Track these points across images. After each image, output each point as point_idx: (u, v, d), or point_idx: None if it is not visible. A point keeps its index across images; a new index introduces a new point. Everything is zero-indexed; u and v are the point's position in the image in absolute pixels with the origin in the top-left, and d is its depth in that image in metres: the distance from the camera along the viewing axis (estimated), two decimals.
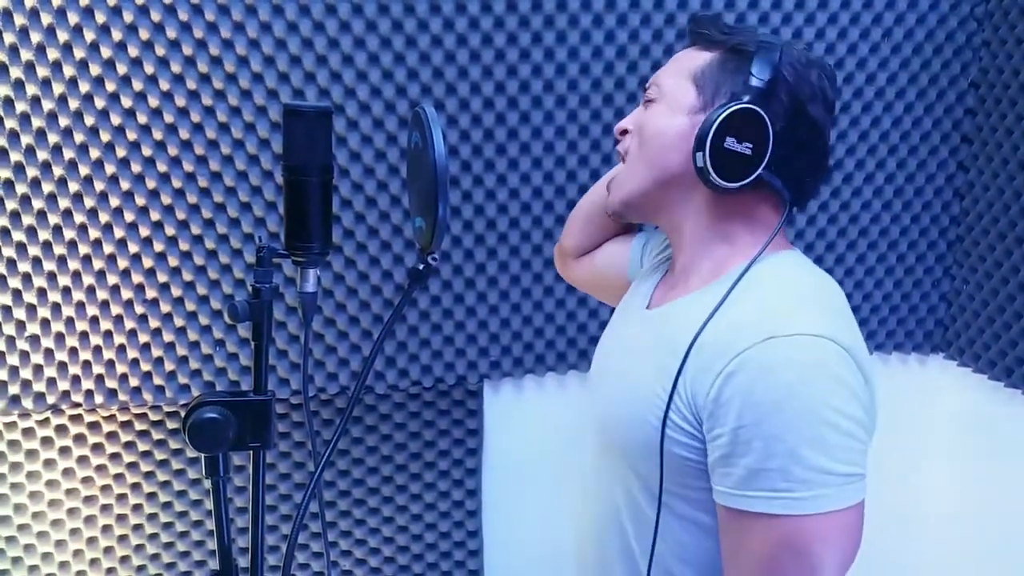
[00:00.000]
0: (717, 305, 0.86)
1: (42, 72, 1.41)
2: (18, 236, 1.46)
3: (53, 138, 1.44)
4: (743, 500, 0.81)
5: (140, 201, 1.49)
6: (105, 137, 1.46)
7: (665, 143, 0.93)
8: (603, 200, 1.18)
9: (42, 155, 1.44)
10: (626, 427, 0.92)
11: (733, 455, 0.80)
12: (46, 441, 1.56)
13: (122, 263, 1.51)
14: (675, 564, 0.92)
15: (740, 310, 0.85)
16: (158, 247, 1.52)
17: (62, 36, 1.40)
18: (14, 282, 1.47)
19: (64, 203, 1.47)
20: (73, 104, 1.43)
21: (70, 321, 1.51)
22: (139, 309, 1.53)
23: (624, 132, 1.00)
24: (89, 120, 1.44)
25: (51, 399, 1.53)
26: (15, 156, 1.43)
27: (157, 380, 1.56)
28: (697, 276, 0.95)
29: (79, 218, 1.48)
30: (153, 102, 1.46)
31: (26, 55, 1.40)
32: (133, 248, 1.51)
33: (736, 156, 0.87)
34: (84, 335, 1.52)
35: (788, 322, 0.81)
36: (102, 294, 1.51)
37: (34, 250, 1.47)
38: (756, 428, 0.79)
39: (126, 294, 1.52)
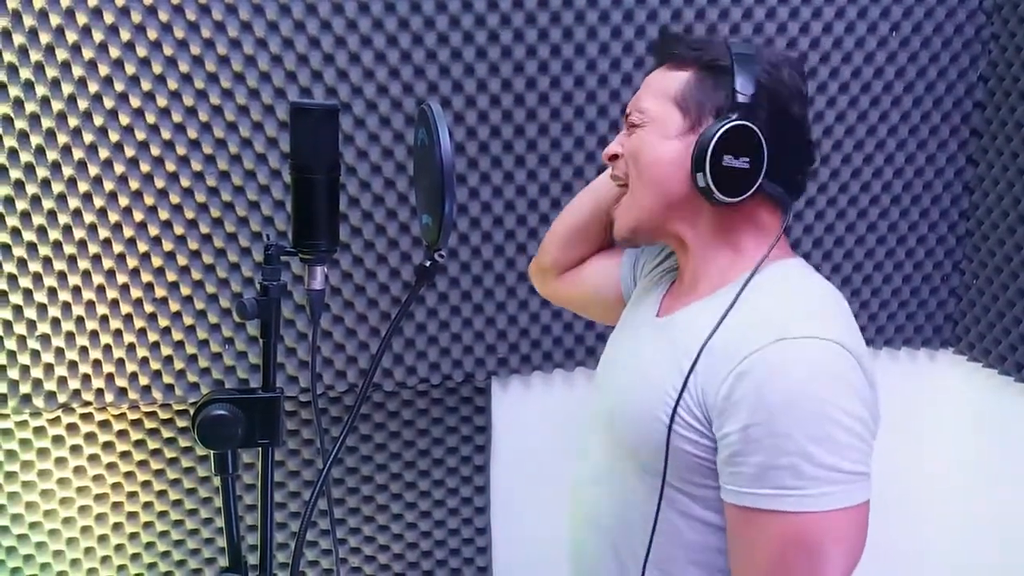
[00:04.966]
0: (727, 309, 0.88)
1: (51, 73, 1.42)
2: (29, 236, 1.47)
3: (63, 138, 1.45)
4: (753, 498, 0.82)
5: (149, 200, 1.50)
6: (114, 137, 1.46)
7: (663, 170, 0.95)
8: (587, 215, 1.20)
9: (52, 155, 1.45)
10: (635, 423, 0.93)
11: (743, 453, 0.81)
12: (57, 439, 1.57)
13: (132, 262, 1.52)
14: (677, 565, 0.92)
15: (749, 313, 0.87)
16: (167, 246, 1.53)
17: (71, 37, 1.41)
18: (25, 282, 1.48)
19: (74, 203, 1.47)
20: (82, 104, 1.44)
21: (80, 320, 1.52)
22: (149, 308, 1.54)
23: (613, 157, 1.01)
24: (98, 120, 1.45)
25: (62, 398, 1.54)
26: (25, 157, 1.44)
27: (167, 378, 1.57)
28: (706, 283, 0.96)
29: (89, 218, 1.49)
30: (161, 102, 1.47)
31: (35, 56, 1.40)
32: (143, 247, 1.52)
33: (735, 171, 0.89)
34: (94, 334, 1.53)
35: (798, 325, 0.83)
36: (112, 293, 1.52)
37: (45, 250, 1.48)
38: (766, 426, 0.80)
39: (136, 293, 1.53)
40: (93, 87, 1.44)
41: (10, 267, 1.47)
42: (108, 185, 1.48)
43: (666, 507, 0.91)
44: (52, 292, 1.50)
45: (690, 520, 0.91)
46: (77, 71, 1.43)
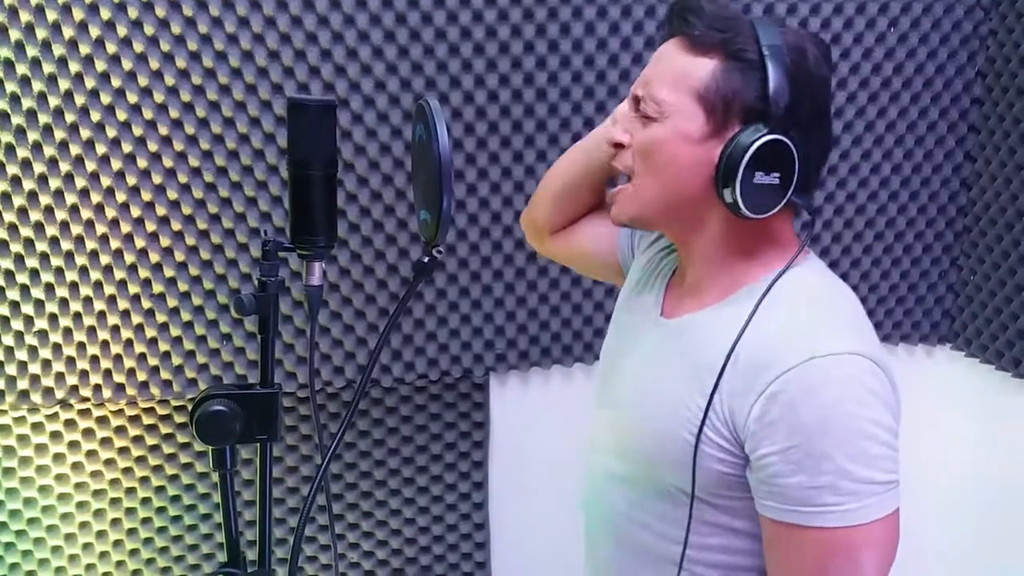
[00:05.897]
0: (747, 320, 0.85)
1: (48, 68, 1.41)
2: (26, 232, 1.47)
3: (59, 134, 1.44)
4: (794, 515, 0.82)
5: (146, 196, 1.50)
6: (111, 133, 1.46)
7: (679, 171, 0.88)
8: (578, 177, 1.14)
9: (49, 151, 1.44)
10: (654, 438, 0.91)
11: (782, 474, 0.81)
12: (55, 436, 1.57)
13: (129, 258, 1.52)
14: (699, 567, 0.92)
15: (772, 325, 0.84)
16: (164, 242, 1.52)
17: (68, 32, 1.41)
18: (22, 277, 1.48)
19: (71, 199, 1.47)
20: (79, 100, 1.44)
21: (78, 316, 1.52)
22: (146, 304, 1.54)
23: (618, 145, 0.93)
24: (95, 116, 1.45)
25: (59, 394, 1.53)
26: (22, 152, 1.43)
27: (164, 374, 1.57)
28: (714, 288, 0.92)
29: (86, 213, 1.48)
30: (158, 97, 1.47)
31: (32, 51, 1.40)
32: (140, 243, 1.51)
33: (764, 187, 0.84)
34: (92, 330, 1.53)
35: (825, 341, 0.82)
36: (109, 289, 1.52)
37: (41, 246, 1.48)
38: (804, 447, 0.80)
39: (133, 289, 1.53)
40: (90, 83, 1.43)
41: (7, 263, 1.47)
42: (105, 181, 1.48)
43: (693, 518, 0.90)
44: (49, 288, 1.50)
45: (716, 528, 0.90)
46: (74, 67, 1.42)
